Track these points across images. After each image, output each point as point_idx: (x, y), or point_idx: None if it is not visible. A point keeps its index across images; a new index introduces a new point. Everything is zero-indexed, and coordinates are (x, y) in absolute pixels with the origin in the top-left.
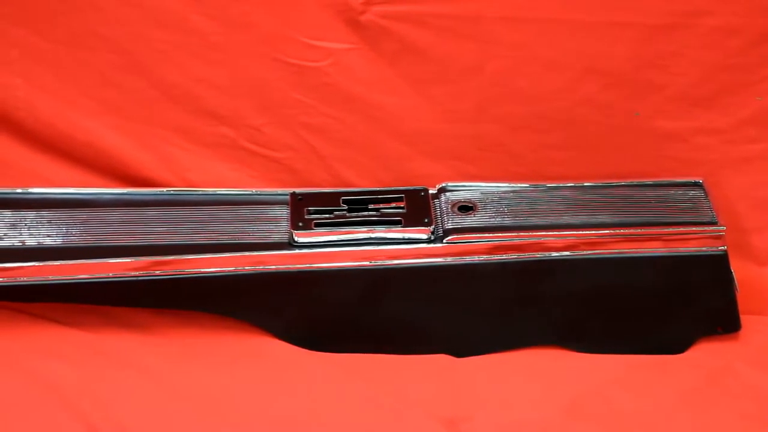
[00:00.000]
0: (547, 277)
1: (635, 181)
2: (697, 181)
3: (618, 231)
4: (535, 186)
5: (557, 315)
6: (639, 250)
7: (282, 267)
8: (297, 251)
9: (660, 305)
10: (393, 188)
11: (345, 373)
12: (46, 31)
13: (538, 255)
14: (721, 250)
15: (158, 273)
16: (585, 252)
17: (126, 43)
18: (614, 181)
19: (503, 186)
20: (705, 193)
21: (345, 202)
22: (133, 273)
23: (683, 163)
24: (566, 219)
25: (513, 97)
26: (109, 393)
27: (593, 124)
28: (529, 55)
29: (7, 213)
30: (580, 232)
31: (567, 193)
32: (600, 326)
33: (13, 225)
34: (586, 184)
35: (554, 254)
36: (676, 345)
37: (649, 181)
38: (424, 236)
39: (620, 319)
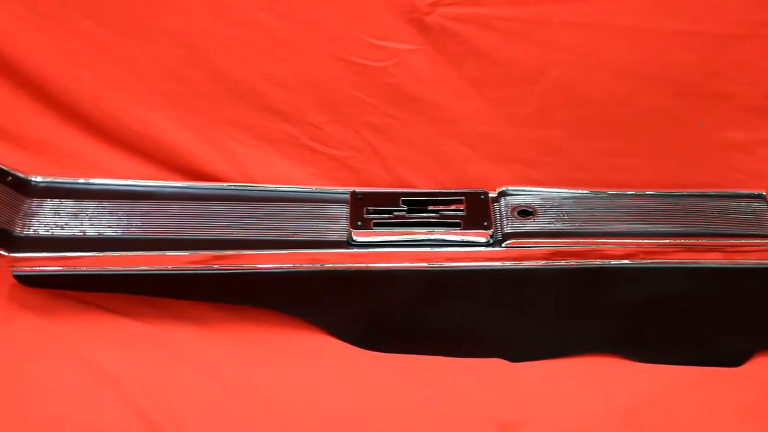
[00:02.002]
0: (605, 284)
1: (698, 191)
2: (760, 193)
3: (678, 241)
4: (596, 193)
5: (614, 323)
6: (699, 260)
7: (340, 266)
8: (355, 250)
9: (718, 317)
10: (453, 190)
11: (399, 374)
12: (113, 23)
13: (597, 262)
14: None
15: (217, 267)
16: (644, 261)
17: (192, 38)
18: (676, 191)
19: (564, 192)
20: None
21: (404, 202)
22: (192, 266)
23: (748, 175)
24: (626, 227)
25: (576, 102)
26: (164, 384)
27: (657, 133)
28: (594, 61)
29: (69, 203)
30: (640, 241)
31: (628, 201)
32: (657, 336)
33: (75, 215)
34: (647, 192)
35: (613, 262)
36: (734, 357)
37: (711, 191)
38: (483, 239)
39: (677, 329)
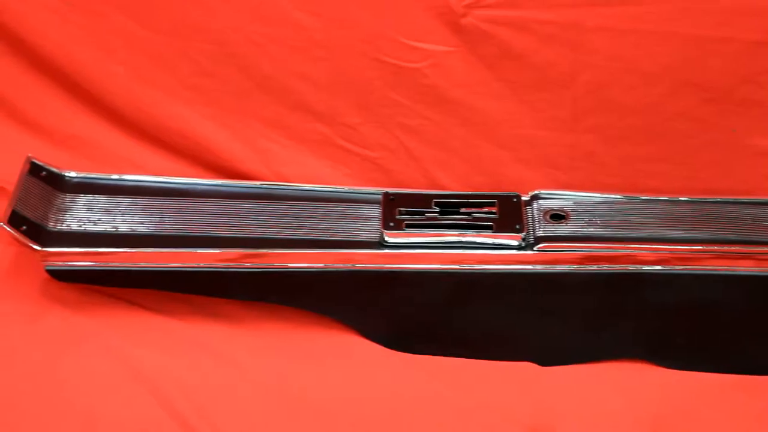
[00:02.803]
0: (637, 290)
1: (730, 198)
2: None
3: (711, 247)
4: (629, 198)
5: (645, 329)
6: (731, 267)
7: (371, 266)
8: (387, 251)
9: (750, 325)
10: (486, 193)
11: (428, 376)
12: (147, 20)
13: (629, 267)
14: None
15: (249, 265)
16: (676, 267)
17: (226, 35)
18: (709, 197)
19: (596, 196)
20: None
21: (437, 204)
22: (223, 264)
23: None
24: (659, 233)
25: (609, 107)
26: (194, 381)
27: (689, 139)
28: (627, 66)
29: (103, 198)
30: (673, 247)
31: (661, 206)
32: (688, 343)
33: (108, 210)
34: (680, 198)
35: (645, 267)
36: (765, 365)
37: (744, 198)
38: (515, 243)
39: (709, 336)
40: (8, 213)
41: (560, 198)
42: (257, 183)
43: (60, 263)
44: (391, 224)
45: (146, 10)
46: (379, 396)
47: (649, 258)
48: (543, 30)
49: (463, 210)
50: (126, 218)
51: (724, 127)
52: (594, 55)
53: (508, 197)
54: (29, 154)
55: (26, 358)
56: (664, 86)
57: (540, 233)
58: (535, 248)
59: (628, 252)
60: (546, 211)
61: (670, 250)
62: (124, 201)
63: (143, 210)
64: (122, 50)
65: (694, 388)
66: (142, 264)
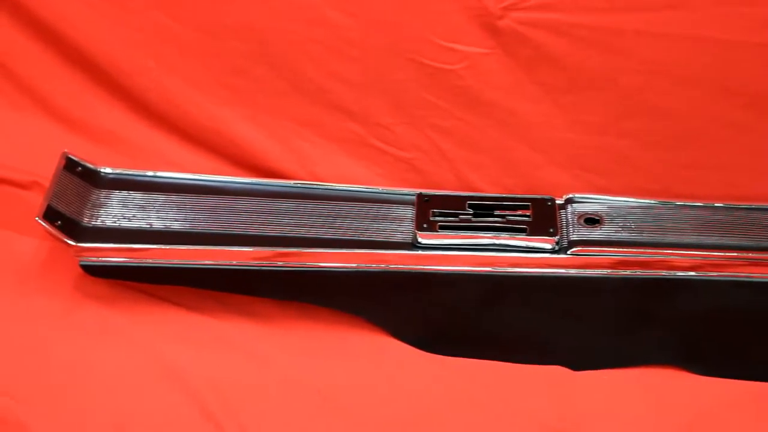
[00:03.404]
0: (670, 295)
1: (766, 204)
2: None
3: (746, 254)
4: (664, 203)
5: (677, 335)
6: (766, 275)
7: (403, 267)
8: (419, 252)
9: None
10: (520, 196)
11: (458, 378)
12: (183, 16)
13: (663, 273)
14: None
15: (281, 264)
16: (710, 273)
17: (262, 34)
18: (745, 204)
19: (631, 201)
20: None
21: (471, 206)
22: (256, 262)
23: None
24: (693, 238)
25: (646, 112)
26: (225, 378)
27: (727, 144)
28: (665, 70)
29: (137, 195)
30: (707, 253)
31: (696, 212)
32: (720, 350)
33: (142, 207)
34: (716, 204)
35: (679, 273)
36: None
37: None
38: (549, 246)
39: (742, 344)
40: (44, 208)
41: (594, 202)
42: (291, 182)
43: (94, 259)
44: (425, 225)
45: (184, 7)
46: (409, 397)
47: (682, 264)
48: (579, 33)
49: (496, 212)
50: (160, 215)
51: (761, 133)
52: (631, 59)
53: (543, 200)
54: (65, 150)
55: (59, 353)
56: (701, 91)
57: (574, 237)
58: (568, 252)
59: (661, 257)
60: (580, 215)
61: (704, 257)
62: (159, 198)
63: (177, 207)
64: (159, 47)
65: (725, 395)
66: (176, 261)
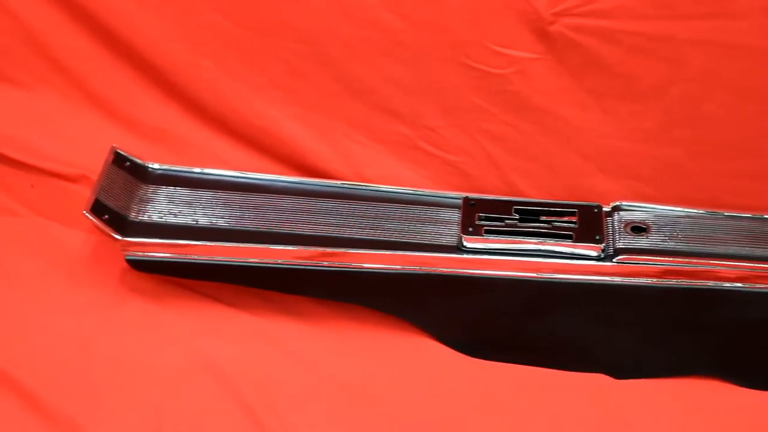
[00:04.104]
0: (716, 306)
1: None
2: None
3: None
4: (712, 213)
5: (722, 346)
6: None
7: (448, 270)
8: (464, 256)
9: None
10: (566, 202)
11: (499, 383)
12: (239, 16)
13: (709, 284)
14: None
15: (326, 264)
16: (757, 285)
17: (316, 35)
18: None
19: (679, 210)
20: None
21: (517, 211)
22: (300, 261)
23: None
24: (741, 250)
25: (698, 121)
26: (267, 376)
27: None
28: (719, 80)
29: (184, 191)
30: (754, 265)
31: (745, 223)
32: (765, 362)
33: (189, 203)
34: (764, 216)
35: (726, 284)
36: None
37: None
38: (594, 253)
39: None
40: (91, 202)
41: (642, 210)
42: (338, 182)
43: (139, 253)
44: (470, 229)
45: (238, 7)
46: (449, 400)
47: (729, 275)
48: (631, 41)
49: (543, 218)
50: (206, 212)
51: None
52: (686, 69)
53: (589, 207)
54: (113, 144)
55: (103, 346)
56: (757, 102)
57: (620, 245)
58: (614, 260)
59: (708, 268)
60: (627, 223)
61: (751, 268)
62: (205, 194)
63: (223, 204)
64: (212, 46)
65: None
66: (220, 258)
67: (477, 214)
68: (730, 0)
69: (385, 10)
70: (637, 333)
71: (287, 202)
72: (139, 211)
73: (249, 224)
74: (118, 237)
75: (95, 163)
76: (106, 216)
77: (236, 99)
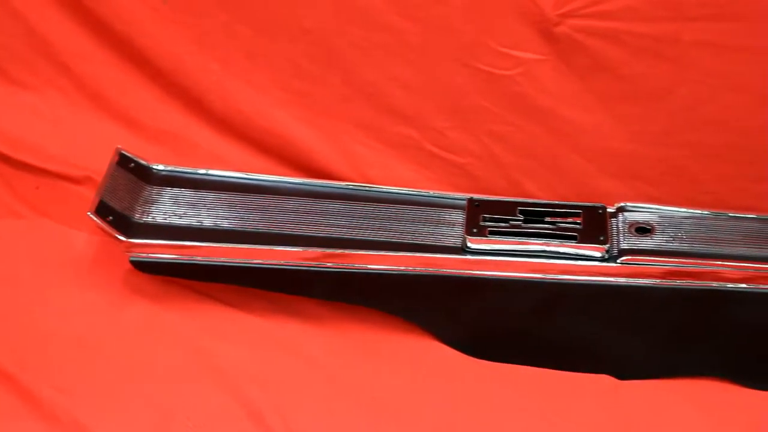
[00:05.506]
0: (721, 307)
1: None
2: None
3: None
4: (717, 214)
5: (727, 347)
6: None
7: (452, 271)
8: (469, 257)
9: None
10: (571, 203)
11: (504, 384)
12: (246, 18)
13: (714, 284)
14: None
15: (330, 265)
16: (761, 285)
17: (323, 37)
18: None
19: (683, 211)
20: None
21: (522, 212)
22: (305, 263)
23: None
24: (745, 250)
25: (704, 124)
26: (272, 378)
27: None
28: (725, 82)
29: (188, 192)
30: (759, 266)
31: (749, 224)
32: None
33: (193, 204)
34: None
35: (730, 285)
36: None
37: None
38: (599, 254)
39: None
40: (95, 203)
41: (646, 211)
42: (342, 183)
43: (144, 255)
44: (475, 230)
45: (245, 8)
46: (454, 401)
47: (733, 276)
48: (638, 42)
49: (547, 219)
50: (211, 213)
51: None
52: (692, 71)
53: (594, 208)
54: (118, 146)
55: (107, 347)
56: (764, 105)
57: (624, 246)
58: (618, 261)
59: (712, 268)
60: (631, 224)
61: (756, 269)
62: (210, 196)
63: (228, 205)
64: (219, 47)
65: None
66: (225, 259)
67: (481, 215)
68: (736, 2)
69: (391, 12)
70: (641, 333)
71: (292, 203)
72: (144, 212)
73: (253, 225)
74: (123, 238)
75: (100, 165)
76: (111, 217)
77: (241, 100)
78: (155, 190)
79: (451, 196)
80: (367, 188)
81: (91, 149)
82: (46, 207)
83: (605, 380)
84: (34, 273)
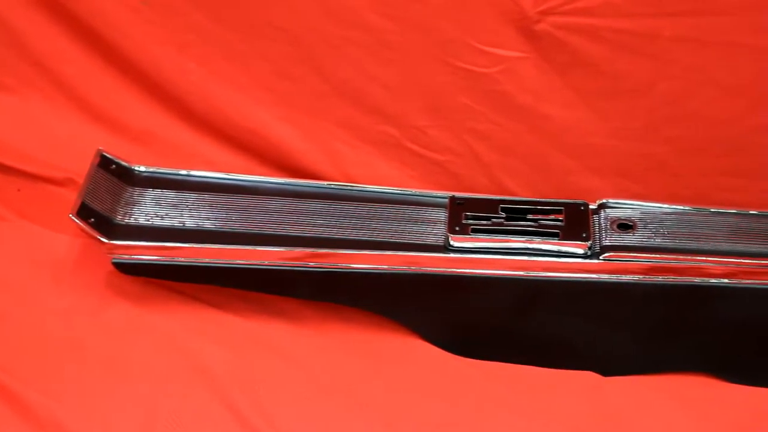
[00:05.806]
0: (703, 302)
1: None
2: None
3: None
4: (699, 209)
5: (710, 342)
6: None
7: (435, 270)
8: (451, 255)
9: None
10: (553, 200)
11: (488, 381)
12: (224, 18)
13: (696, 280)
14: None
15: (313, 265)
16: (744, 281)
17: (302, 36)
18: None
19: (665, 207)
20: None
21: (504, 210)
22: (288, 263)
23: None
24: (728, 245)
25: (685, 119)
26: (254, 377)
27: (766, 152)
28: (705, 78)
29: (170, 193)
30: (741, 260)
31: (731, 219)
32: (753, 358)
33: (175, 205)
34: (751, 212)
35: (712, 280)
36: None
37: None
38: (581, 251)
39: None
40: (77, 205)
41: (628, 207)
42: (325, 183)
43: (126, 256)
44: (457, 228)
45: (223, 8)
46: (438, 400)
47: (716, 271)
48: (617, 39)
49: (529, 216)
50: (193, 214)
51: None
52: (669, 66)
53: (576, 205)
54: (99, 147)
55: (90, 349)
56: (745, 99)
57: (606, 242)
58: (600, 257)
59: (694, 264)
60: (613, 221)
61: (738, 263)
62: (192, 196)
63: (210, 206)
64: (197, 47)
65: (758, 404)
66: (207, 260)
67: (464, 213)
68: None
69: (371, 11)
70: (624, 330)
71: (274, 203)
72: (126, 213)
73: (236, 226)
74: (105, 240)
75: (81, 167)
76: (92, 219)
77: (222, 100)
78: (137, 191)
79: (434, 195)
80: (349, 187)
81: (72, 151)
82: (28, 209)
83: (589, 377)
84: (15, 275)
